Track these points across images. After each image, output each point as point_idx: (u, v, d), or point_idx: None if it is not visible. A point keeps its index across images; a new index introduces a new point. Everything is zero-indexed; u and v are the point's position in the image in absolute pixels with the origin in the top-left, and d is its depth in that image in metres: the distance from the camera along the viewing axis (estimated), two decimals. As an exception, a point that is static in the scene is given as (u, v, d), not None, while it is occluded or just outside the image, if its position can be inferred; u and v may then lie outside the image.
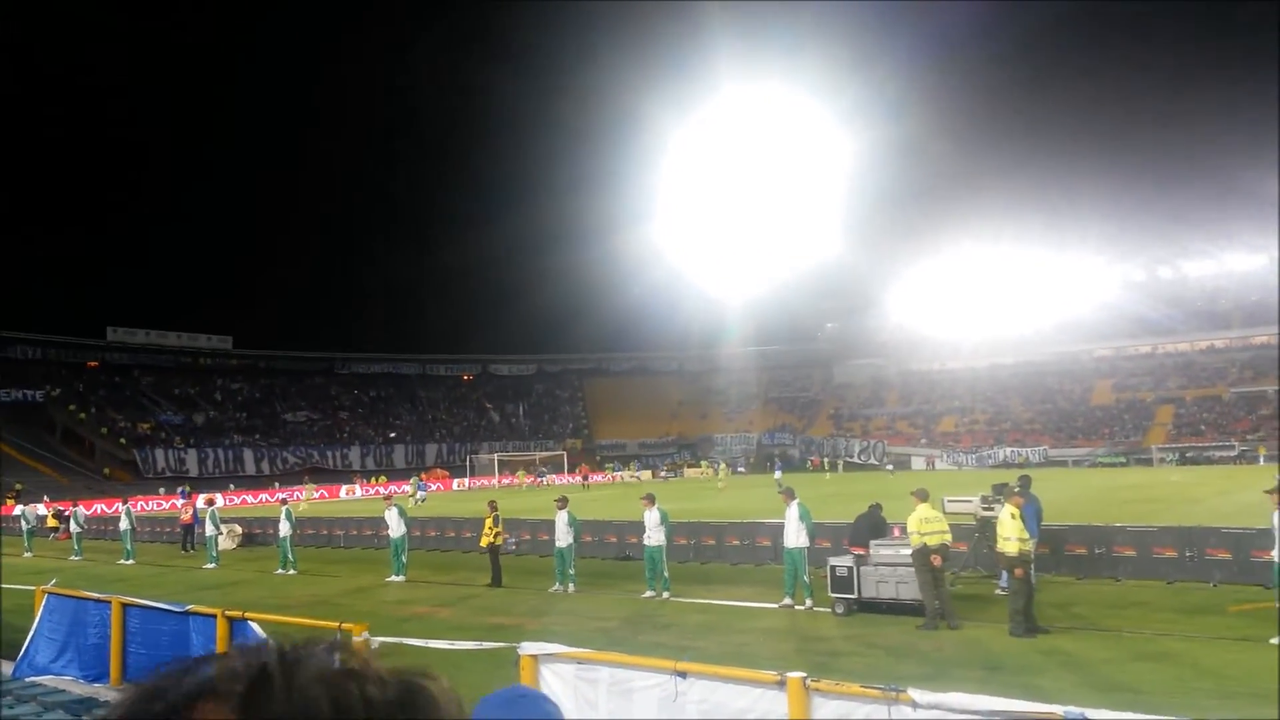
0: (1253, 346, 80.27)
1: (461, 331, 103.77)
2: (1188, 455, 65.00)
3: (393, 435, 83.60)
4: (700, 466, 70.33)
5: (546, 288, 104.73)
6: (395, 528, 19.20)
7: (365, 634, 7.27)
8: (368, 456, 78.38)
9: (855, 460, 77.95)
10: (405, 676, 0.68)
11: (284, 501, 24.07)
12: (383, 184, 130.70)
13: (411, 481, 54.49)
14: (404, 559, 19.00)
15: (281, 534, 21.65)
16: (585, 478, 65.44)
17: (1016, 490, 12.54)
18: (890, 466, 66.23)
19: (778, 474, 57.55)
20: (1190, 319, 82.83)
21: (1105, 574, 14.95)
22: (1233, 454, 62.87)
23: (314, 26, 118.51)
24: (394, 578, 18.73)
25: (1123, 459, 66.64)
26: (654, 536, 15.46)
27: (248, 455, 72.19)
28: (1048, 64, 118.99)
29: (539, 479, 68.27)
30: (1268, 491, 10.99)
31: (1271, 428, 67.06)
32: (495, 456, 75.85)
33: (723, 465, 59.44)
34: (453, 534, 24.45)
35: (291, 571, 20.97)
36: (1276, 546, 10.45)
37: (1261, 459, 58.64)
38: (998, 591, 13.91)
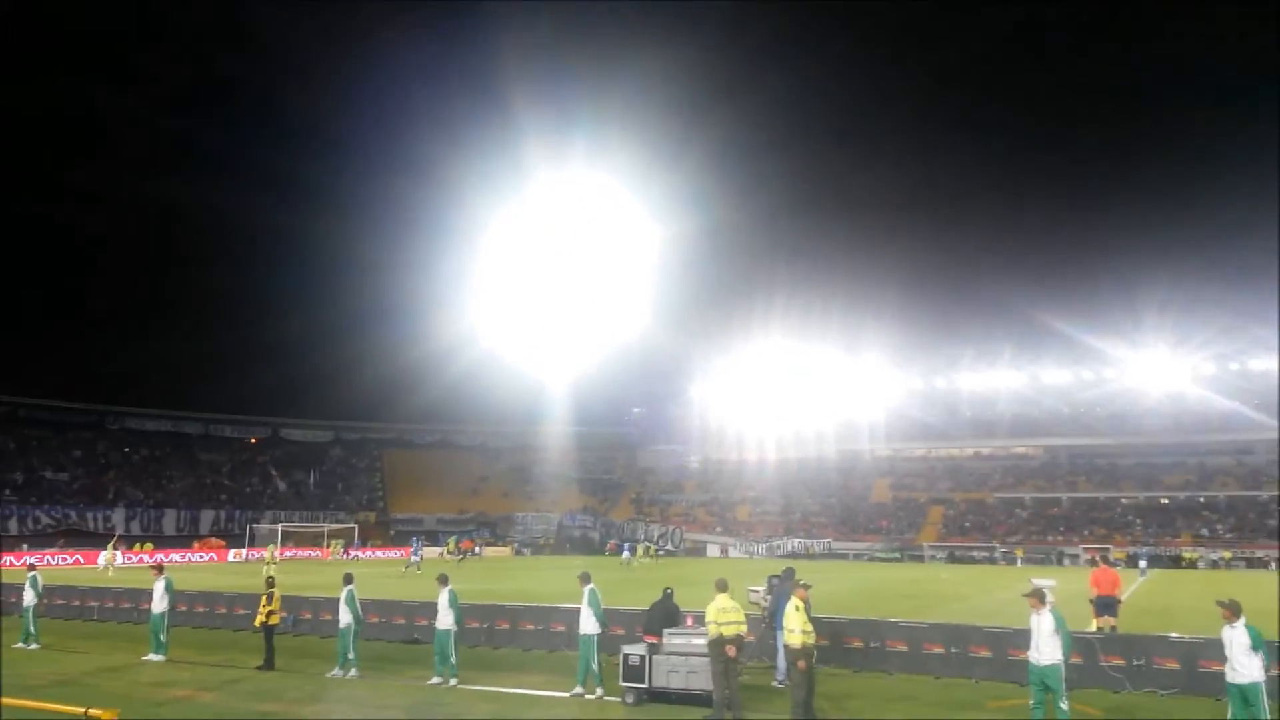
0: (1014, 455, 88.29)
1: (254, 393, 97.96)
2: (955, 554, 69.87)
3: (163, 498, 77.25)
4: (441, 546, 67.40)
5: (354, 358, 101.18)
6: (158, 601, 17.60)
7: (115, 722, 6.56)
8: (134, 520, 71.95)
9: (654, 544, 78.69)
10: None
11: (31, 566, 21.57)
12: (193, 223, 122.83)
13: (413, 544, 53.33)
14: (164, 636, 17.39)
15: (25, 603, 19.39)
16: (463, 552, 62.04)
17: (802, 584, 13.00)
18: (668, 549, 67.41)
19: (625, 554, 58.04)
20: (961, 426, 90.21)
21: (879, 668, 15.66)
22: (993, 555, 68.10)
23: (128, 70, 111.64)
24: (153, 656, 17.10)
25: (898, 554, 70.77)
26: (444, 619, 14.94)
27: (-9, 512, 64.77)
28: (846, 176, 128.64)
29: (346, 552, 65.37)
30: (1025, 595, 11.93)
31: (1028, 531, 73.48)
32: (280, 527, 71.42)
33: (450, 542, 59.40)
34: (224, 610, 22.64)
35: (34, 646, 18.77)
36: (1033, 647, 11.30)
37: (1019, 561, 63.92)
38: (774, 683, 14.31)
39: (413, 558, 48.59)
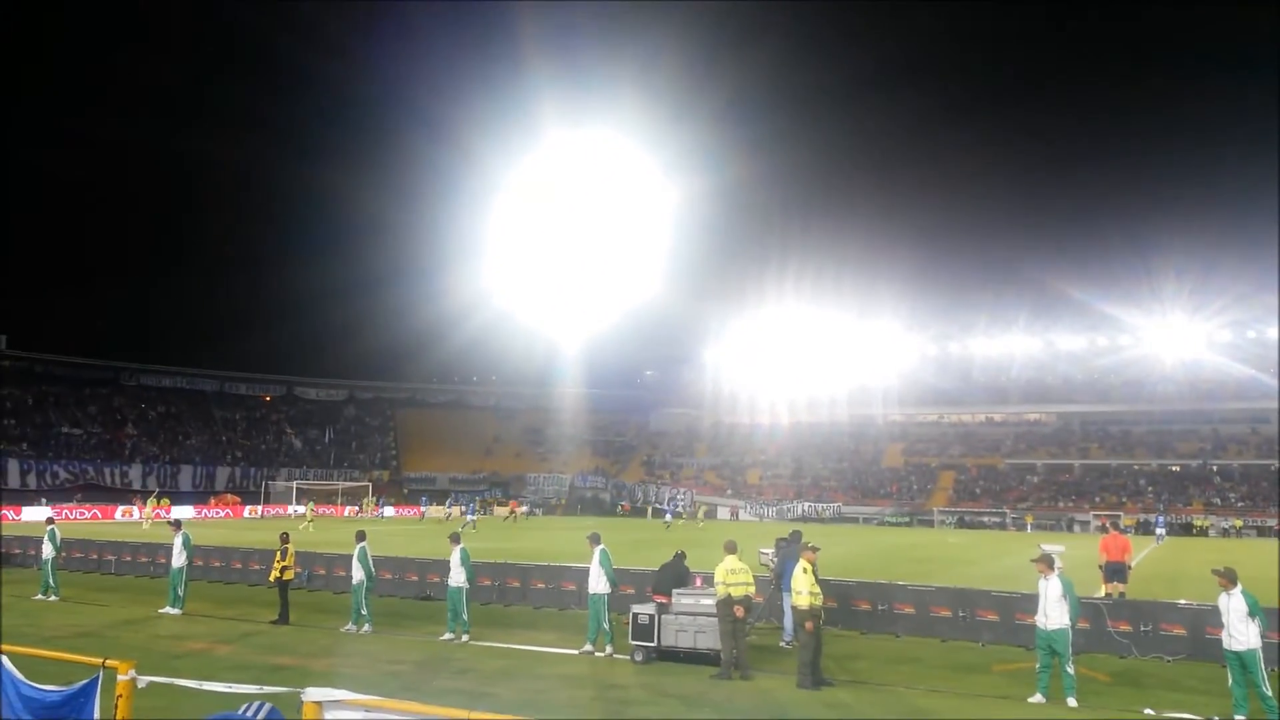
0: (1027, 422, 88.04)
1: (268, 351, 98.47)
2: (965, 519, 70.02)
3: (179, 454, 78.05)
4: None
5: (368, 317, 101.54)
6: (177, 556, 17.85)
7: (132, 672, 6.68)
8: (150, 476, 72.72)
9: (663, 508, 79.20)
10: None
11: (50, 520, 21.90)
12: (212, 180, 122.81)
13: (459, 506, 53.78)
14: (181, 590, 17.66)
15: (44, 555, 19.71)
16: (512, 512, 63.51)
17: (810, 546, 13.06)
18: (685, 516, 67.36)
19: (668, 516, 57.87)
20: (974, 392, 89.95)
21: (886, 630, 15.80)
22: (1004, 520, 68.19)
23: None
24: (170, 609, 17.39)
25: (907, 519, 70.98)
26: (457, 576, 15.12)
27: (11, 466, 65.53)
28: (866, 137, 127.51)
29: (377, 509, 65.90)
30: (1033, 561, 11.99)
31: (1039, 497, 73.50)
32: (294, 484, 72.17)
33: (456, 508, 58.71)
34: (239, 565, 22.98)
35: (53, 598, 19.10)
36: (1040, 612, 11.37)
37: (1029, 527, 63.99)
38: (781, 644, 14.46)
39: (468, 517, 50.01)
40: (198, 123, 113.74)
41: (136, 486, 69.46)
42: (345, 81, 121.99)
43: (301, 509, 53.38)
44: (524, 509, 67.93)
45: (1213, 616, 13.14)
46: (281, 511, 64.36)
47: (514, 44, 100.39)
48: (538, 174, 79.29)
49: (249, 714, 4.98)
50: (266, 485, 73.94)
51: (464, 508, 53.85)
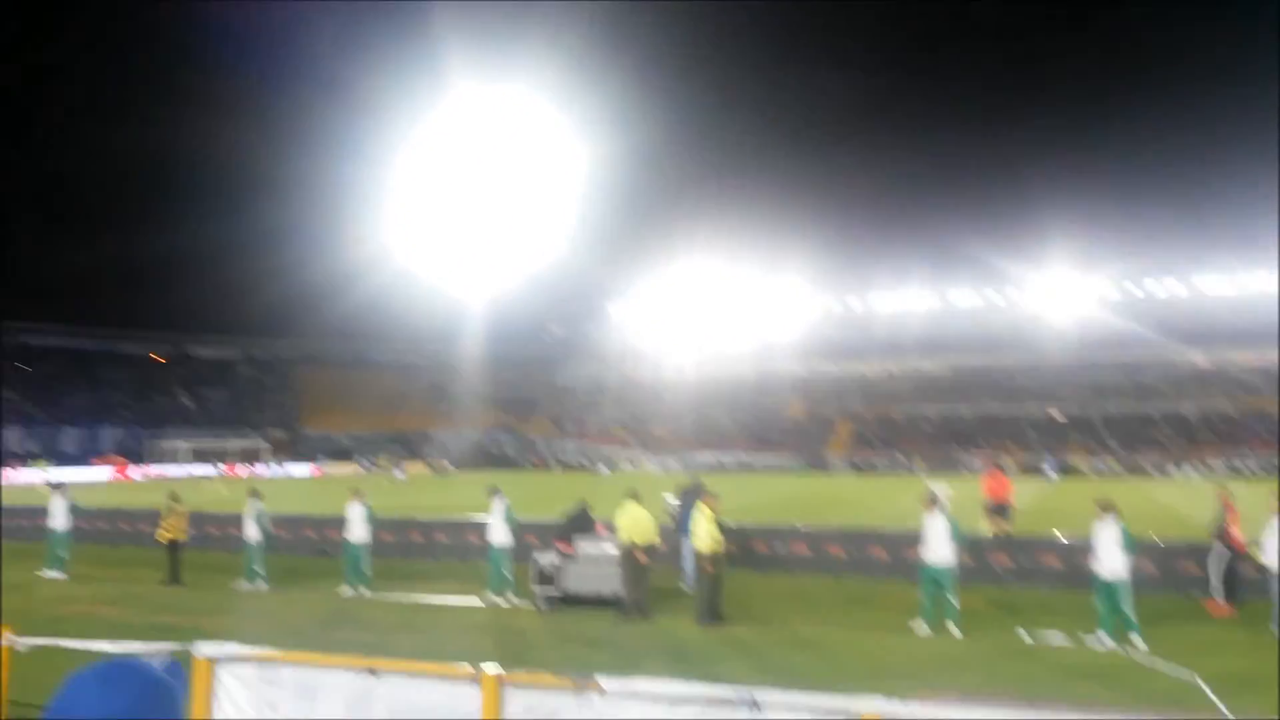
0: (920, 373, 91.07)
1: (159, 308, 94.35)
2: (862, 465, 72.31)
3: (62, 415, 74.47)
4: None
5: (264, 273, 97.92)
6: (59, 519, 17.11)
7: (9, 636, 6.40)
8: (29, 439, 69.28)
9: (570, 461, 79.55)
10: None
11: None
12: (95, 133, 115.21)
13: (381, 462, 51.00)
14: (64, 553, 16.97)
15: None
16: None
17: (711, 493, 13.31)
18: (604, 468, 67.71)
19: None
20: (873, 345, 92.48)
21: (782, 570, 16.29)
22: (898, 467, 70.64)
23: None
24: (50, 573, 16.70)
25: (807, 466, 72.91)
26: (356, 531, 14.92)
27: None
28: (775, 99, 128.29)
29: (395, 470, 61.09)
30: (919, 500, 12.52)
31: (932, 444, 76.33)
32: (186, 444, 69.78)
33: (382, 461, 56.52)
34: (127, 527, 22.17)
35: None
36: (925, 547, 11.87)
37: (921, 471, 66.43)
38: (683, 587, 14.77)
39: (397, 473, 48.33)
40: (77, 73, 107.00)
41: (14, 450, 66.10)
42: (232, 30, 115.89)
43: (199, 470, 51.56)
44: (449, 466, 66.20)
45: (1087, 550, 13.91)
46: (174, 472, 62.21)
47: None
48: (442, 129, 77.38)
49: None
50: (157, 446, 71.27)
51: (393, 465, 52.56)
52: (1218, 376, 78.74)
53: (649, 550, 12.62)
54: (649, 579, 12.86)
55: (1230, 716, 7.42)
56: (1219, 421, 72.39)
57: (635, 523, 12.67)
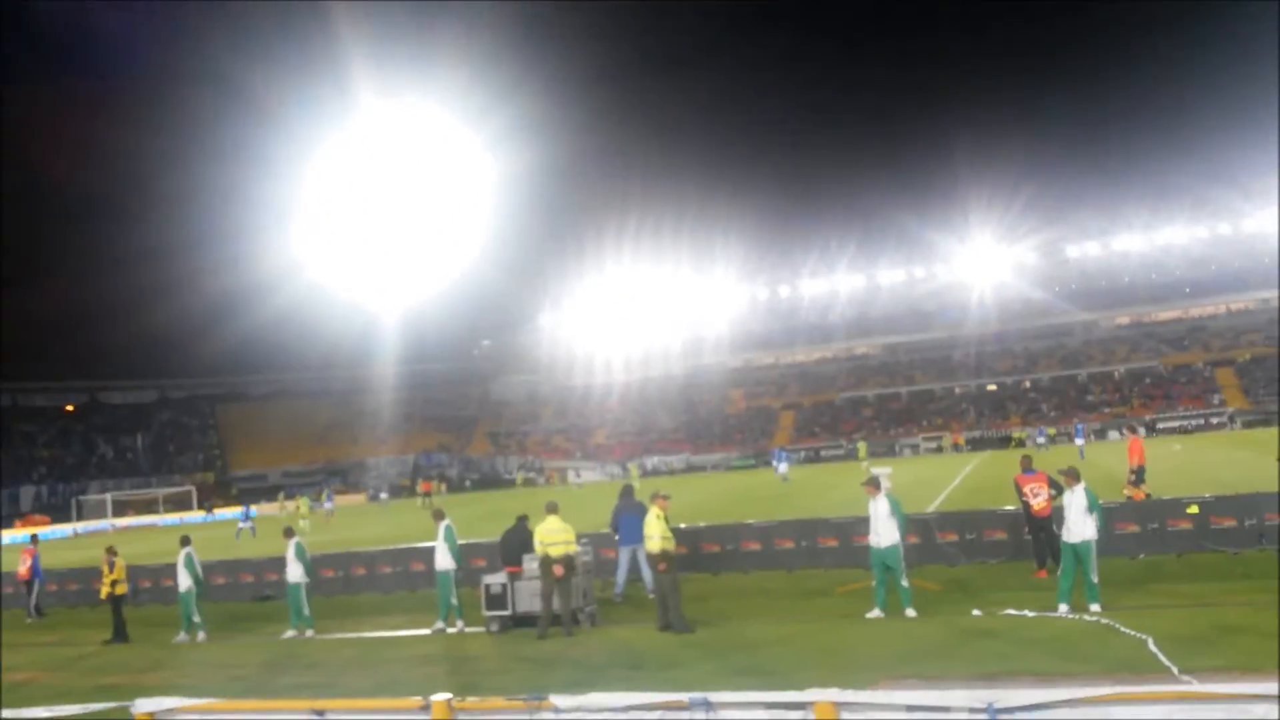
0: (856, 356, 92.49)
1: (64, 357, 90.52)
2: (806, 455, 73.00)
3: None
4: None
5: (168, 302, 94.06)
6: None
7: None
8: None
9: (512, 478, 78.71)
10: None
11: None
12: None
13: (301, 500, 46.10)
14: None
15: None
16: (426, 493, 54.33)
17: (662, 495, 13.17)
18: (576, 479, 65.78)
19: (782, 468, 45.54)
20: (806, 332, 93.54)
21: (736, 568, 16.23)
22: (841, 452, 71.47)
23: None
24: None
25: (752, 461, 73.34)
26: (294, 572, 14.45)
27: None
28: (685, 95, 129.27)
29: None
30: (863, 484, 12.57)
31: (872, 427, 77.53)
32: (109, 496, 67.29)
33: (301, 500, 46.71)
34: (54, 588, 21.21)
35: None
36: (872, 531, 11.90)
37: (861, 455, 67.33)
38: (614, 596, 14.70)
39: (242, 524, 39.32)
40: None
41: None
42: (121, 33, 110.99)
43: (122, 522, 48.89)
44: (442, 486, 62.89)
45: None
46: (98, 527, 59.92)
47: (323, 11, 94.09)
48: (355, 143, 75.76)
49: None
50: (77, 501, 68.56)
51: (315, 499, 49.37)
52: (1143, 336, 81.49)
53: (566, 563, 12.39)
54: (574, 590, 12.61)
55: (1181, 677, 7.52)
56: (1149, 381, 74.79)
57: (550, 534, 12.49)
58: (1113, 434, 59.54)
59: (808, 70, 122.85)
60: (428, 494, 54.14)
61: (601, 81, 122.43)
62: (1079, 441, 44.46)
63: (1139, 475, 19.39)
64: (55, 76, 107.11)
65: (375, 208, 76.84)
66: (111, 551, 16.27)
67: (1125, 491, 18.85)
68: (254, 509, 43.32)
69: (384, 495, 59.83)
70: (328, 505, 46.97)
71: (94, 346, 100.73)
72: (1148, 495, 18.19)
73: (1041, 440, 53.24)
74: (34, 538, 22.13)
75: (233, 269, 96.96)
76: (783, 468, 44.98)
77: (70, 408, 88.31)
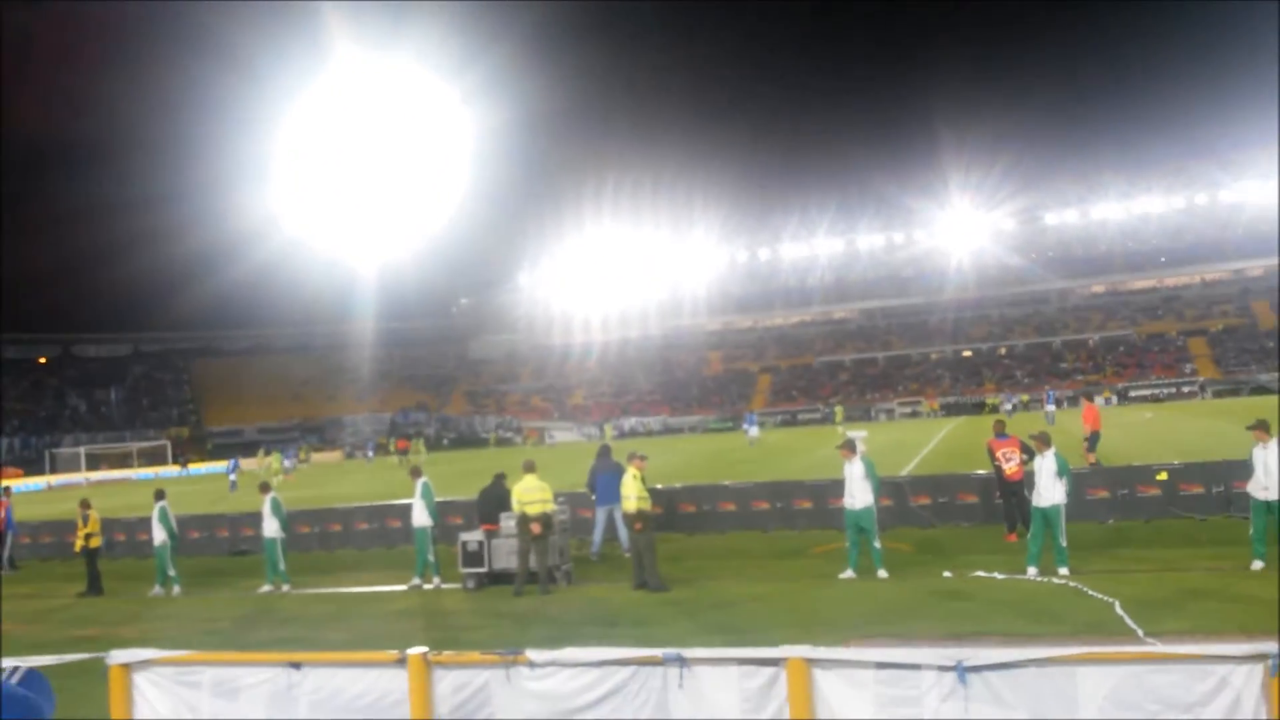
0: (834, 320, 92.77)
1: (36, 308, 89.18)
2: (783, 418, 73.45)
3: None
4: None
5: (142, 255, 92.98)
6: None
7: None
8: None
9: (490, 436, 78.73)
10: None
11: None
12: None
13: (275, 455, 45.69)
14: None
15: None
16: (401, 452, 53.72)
17: (639, 456, 13.23)
18: (550, 439, 65.34)
19: (753, 431, 45.49)
20: (785, 295, 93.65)
21: (712, 529, 16.37)
22: (818, 416, 71.97)
23: None
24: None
25: (730, 424, 73.65)
26: (269, 527, 14.44)
27: None
28: (667, 55, 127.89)
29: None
30: (838, 447, 12.69)
31: (849, 391, 78.01)
32: (82, 450, 66.79)
33: (275, 455, 46.02)
34: (27, 540, 21.10)
35: None
36: (847, 494, 12.02)
37: (838, 419, 67.82)
38: (590, 555, 14.80)
39: (230, 475, 40.73)
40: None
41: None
42: None
43: (95, 476, 48.36)
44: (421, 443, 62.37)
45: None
46: (71, 480, 59.55)
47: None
48: (334, 98, 74.53)
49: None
50: (50, 453, 68.03)
51: (283, 456, 49.06)
52: (1118, 304, 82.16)
53: (543, 520, 12.45)
54: (551, 549, 12.68)
55: (1146, 640, 7.68)
56: (1123, 349, 75.56)
57: (527, 493, 12.53)
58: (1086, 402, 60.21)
59: (790, 35, 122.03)
60: (403, 452, 54.08)
61: (582, 40, 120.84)
62: (1049, 408, 44.90)
63: (1092, 442, 19.65)
64: (17, 18, 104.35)
65: (353, 163, 75.87)
66: (86, 504, 16.19)
67: (1093, 458, 19.12)
68: (237, 462, 43.48)
69: (370, 453, 59.13)
70: (286, 464, 46.55)
71: (68, 299, 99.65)
72: (1097, 462, 18.47)
73: (1008, 407, 53.56)
74: (6, 490, 22.02)
75: (209, 223, 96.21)
76: (753, 430, 45.40)
77: (43, 360, 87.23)
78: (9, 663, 4.77)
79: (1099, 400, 40.06)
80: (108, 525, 20.06)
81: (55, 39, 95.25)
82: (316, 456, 68.85)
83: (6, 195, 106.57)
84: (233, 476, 40.49)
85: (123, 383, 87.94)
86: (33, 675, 4.03)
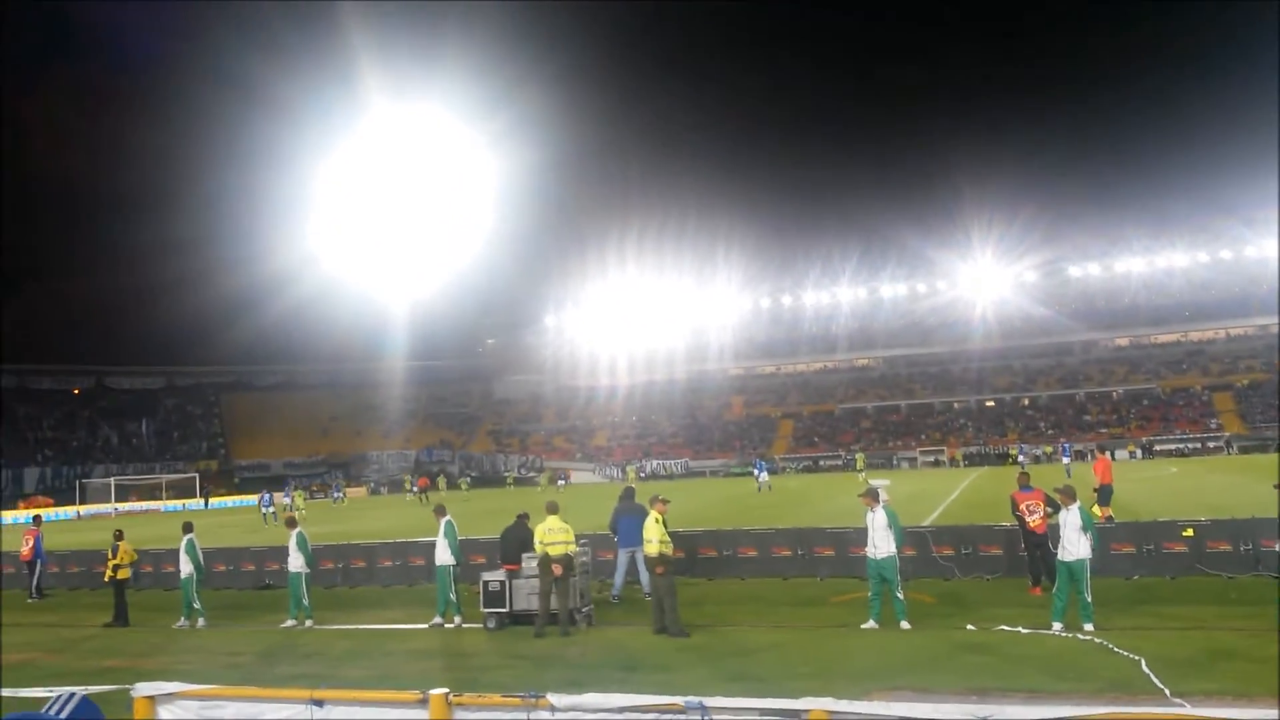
0: (857, 368, 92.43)
1: (73, 341, 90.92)
2: (805, 464, 72.98)
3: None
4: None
5: (181, 293, 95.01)
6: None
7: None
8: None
9: (513, 476, 78.71)
10: None
11: None
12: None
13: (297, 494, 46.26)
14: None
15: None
16: (422, 490, 54.57)
17: (661, 499, 13.29)
18: (561, 481, 65.58)
19: (763, 476, 45.47)
20: (807, 342, 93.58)
21: (732, 574, 16.30)
22: (839, 462, 71.45)
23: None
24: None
25: (750, 469, 73.20)
26: (295, 561, 14.58)
27: None
28: (692, 103, 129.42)
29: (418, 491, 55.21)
30: (860, 496, 12.65)
31: (871, 439, 77.50)
32: (112, 480, 67.51)
33: (297, 494, 46.34)
34: (56, 570, 21.35)
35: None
36: (869, 543, 11.98)
37: (859, 466, 67.28)
38: (611, 597, 14.79)
39: (265, 509, 41.82)
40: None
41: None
42: (138, 31, 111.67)
43: (124, 506, 48.84)
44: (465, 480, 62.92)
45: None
46: (100, 510, 60.15)
47: (333, 13, 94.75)
48: (367, 142, 76.20)
49: (55, 711, 4.58)
50: (81, 484, 68.80)
51: (313, 492, 49.67)
52: (1142, 357, 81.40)
53: (564, 562, 12.50)
54: (572, 590, 12.72)
55: (1174, 700, 7.60)
56: (1147, 403, 74.74)
57: (549, 534, 12.60)
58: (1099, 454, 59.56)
59: (814, 85, 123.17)
60: (424, 489, 54.30)
61: (606, 86, 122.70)
62: (1065, 460, 44.63)
63: (1102, 495, 19.43)
64: (73, 74, 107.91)
65: (385, 206, 77.34)
66: (119, 535, 16.39)
67: (1106, 512, 18.89)
68: (270, 496, 44.26)
69: (414, 489, 57.79)
70: (336, 495, 47.07)
71: (104, 333, 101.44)
72: (1110, 517, 18.26)
73: (1023, 459, 53.12)
74: (37, 519, 22.33)
75: (244, 264, 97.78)
76: (763, 476, 45.57)
77: (76, 391, 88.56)
78: (61, 690, 4.90)
79: (1123, 454, 39.78)
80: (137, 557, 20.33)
81: (102, 90, 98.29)
82: (351, 491, 69.03)
83: (53, 236, 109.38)
84: (269, 509, 41.64)
85: (154, 415, 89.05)
86: (85, 703, 4.17)
